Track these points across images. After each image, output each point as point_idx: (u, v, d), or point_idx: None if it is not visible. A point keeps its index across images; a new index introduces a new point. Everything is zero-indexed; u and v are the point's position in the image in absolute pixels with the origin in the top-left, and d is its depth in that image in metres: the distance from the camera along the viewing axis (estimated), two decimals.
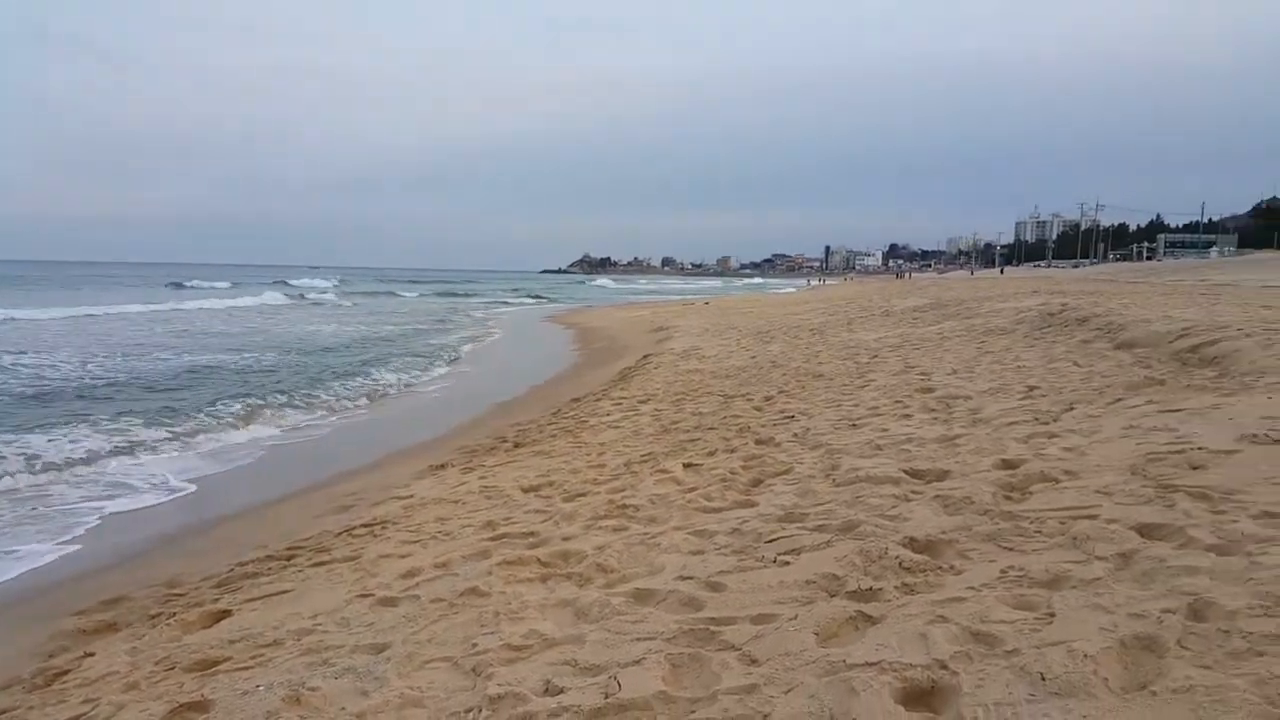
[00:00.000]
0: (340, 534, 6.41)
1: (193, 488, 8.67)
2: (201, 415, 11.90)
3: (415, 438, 11.02)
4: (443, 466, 8.63)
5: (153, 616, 5.05)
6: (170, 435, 10.66)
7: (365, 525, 6.52)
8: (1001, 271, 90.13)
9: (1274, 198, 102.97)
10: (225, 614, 4.82)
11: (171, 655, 4.23)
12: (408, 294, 71.05)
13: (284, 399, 13.62)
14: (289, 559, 5.92)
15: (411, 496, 7.31)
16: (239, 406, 12.67)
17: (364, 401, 14.21)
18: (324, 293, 67.71)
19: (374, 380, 16.23)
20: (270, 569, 5.72)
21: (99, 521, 7.51)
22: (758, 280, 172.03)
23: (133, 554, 6.71)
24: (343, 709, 3.24)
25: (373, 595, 4.63)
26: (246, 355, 20.30)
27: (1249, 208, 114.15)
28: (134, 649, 4.49)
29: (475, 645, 3.64)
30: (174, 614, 4.97)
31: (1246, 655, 2.51)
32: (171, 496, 8.37)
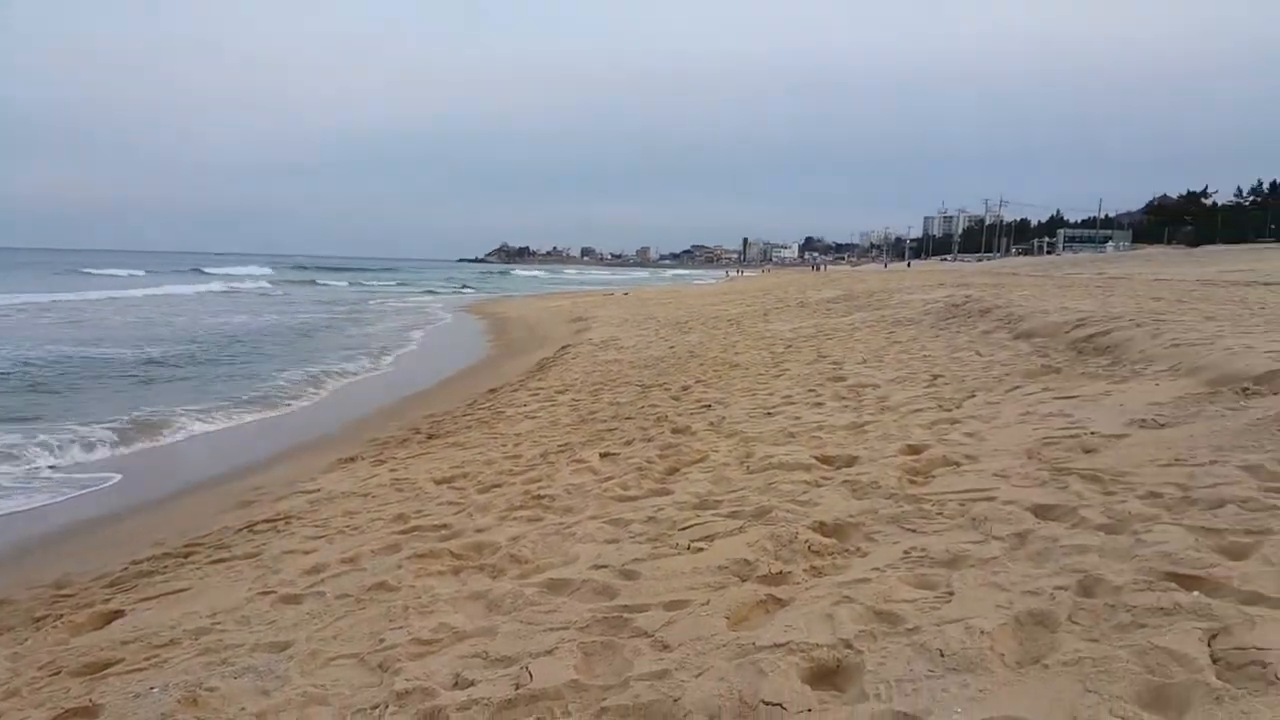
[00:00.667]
0: (242, 530, 6.24)
1: (85, 486, 8.31)
2: (97, 411, 11.41)
3: (325, 430, 10.77)
4: (352, 459, 8.46)
5: (38, 619, 4.81)
6: (60, 433, 10.18)
7: (268, 520, 6.36)
8: (908, 265, 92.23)
9: (1164, 196, 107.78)
10: (117, 614, 4.63)
11: (57, 659, 4.05)
12: (335, 283, 69.01)
13: (187, 393, 13.16)
14: (187, 556, 5.73)
15: (318, 491, 7.14)
16: (137, 402, 12.18)
17: (276, 394, 13.81)
18: (255, 281, 65.43)
19: (290, 372, 15.77)
20: (167, 567, 5.52)
21: None
22: (683, 273, 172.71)
23: (17, 555, 6.40)
24: (242, 709, 3.15)
25: (275, 592, 4.53)
26: (151, 348, 19.51)
27: (1142, 205, 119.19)
28: (15, 654, 4.27)
29: (383, 640, 3.59)
30: (61, 616, 4.74)
31: (1130, 628, 2.62)
32: (62, 496, 7.99)
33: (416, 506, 6.00)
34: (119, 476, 8.66)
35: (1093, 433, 5.15)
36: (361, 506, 6.31)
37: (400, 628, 3.70)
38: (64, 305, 34.15)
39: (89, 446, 9.71)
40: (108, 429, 10.37)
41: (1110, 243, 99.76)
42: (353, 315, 33.47)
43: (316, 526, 5.93)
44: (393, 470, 7.48)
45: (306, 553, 5.27)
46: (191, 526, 6.63)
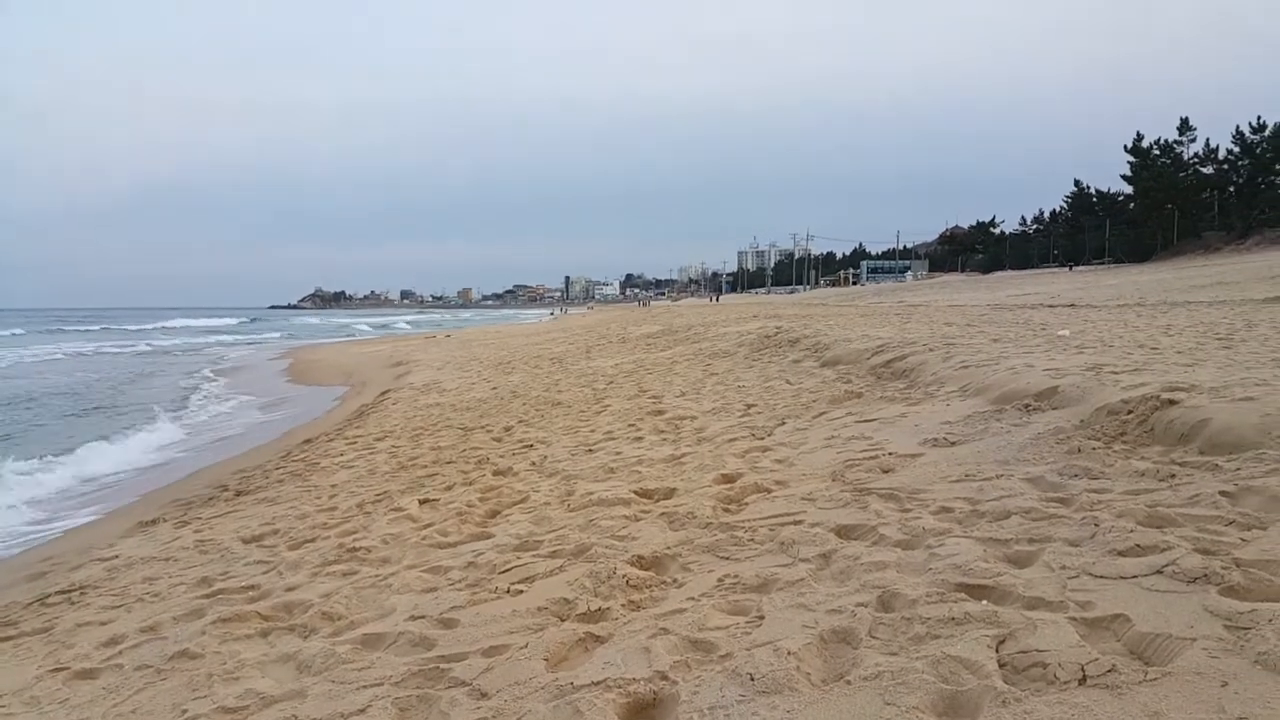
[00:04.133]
0: (31, 604, 5.73)
1: None
2: None
3: (124, 493, 10.00)
4: (153, 522, 7.90)
5: None
6: None
7: (61, 592, 5.87)
8: (719, 300, 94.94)
9: (957, 226, 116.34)
10: None
11: None
12: (103, 343, 57.54)
13: None
14: None
15: (116, 557, 6.64)
16: None
17: (66, 456, 12.69)
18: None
19: (77, 433, 14.56)
20: None
21: None
22: (508, 312, 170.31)
23: None
24: None
25: (68, 668, 4.22)
26: None
27: (936, 235, 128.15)
28: None
29: (185, 711, 3.41)
30: None
31: (925, 639, 2.79)
32: None
33: (222, 568, 5.68)
34: None
35: (890, 453, 5.49)
36: (163, 571, 5.91)
37: (204, 697, 3.51)
38: None
39: None
40: None
41: (909, 272, 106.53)
42: (151, 371, 31.27)
43: (114, 595, 5.52)
44: (197, 531, 7.05)
45: (103, 624, 4.92)
46: None
